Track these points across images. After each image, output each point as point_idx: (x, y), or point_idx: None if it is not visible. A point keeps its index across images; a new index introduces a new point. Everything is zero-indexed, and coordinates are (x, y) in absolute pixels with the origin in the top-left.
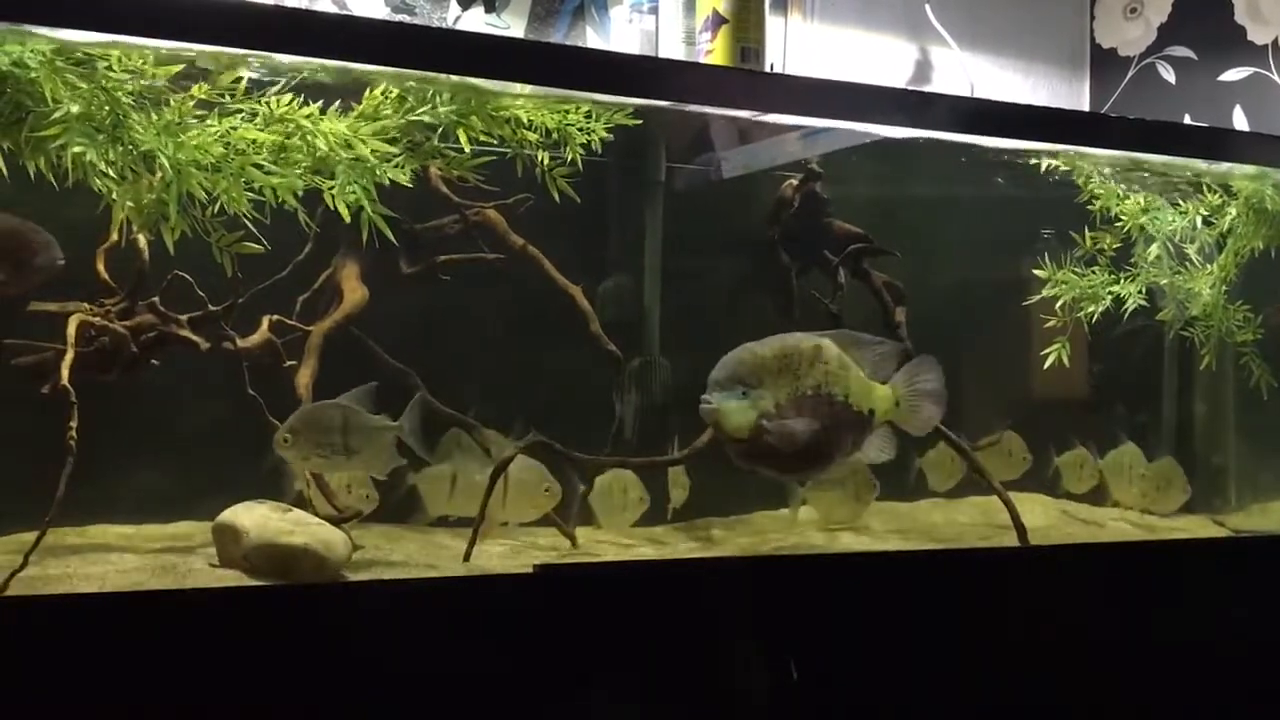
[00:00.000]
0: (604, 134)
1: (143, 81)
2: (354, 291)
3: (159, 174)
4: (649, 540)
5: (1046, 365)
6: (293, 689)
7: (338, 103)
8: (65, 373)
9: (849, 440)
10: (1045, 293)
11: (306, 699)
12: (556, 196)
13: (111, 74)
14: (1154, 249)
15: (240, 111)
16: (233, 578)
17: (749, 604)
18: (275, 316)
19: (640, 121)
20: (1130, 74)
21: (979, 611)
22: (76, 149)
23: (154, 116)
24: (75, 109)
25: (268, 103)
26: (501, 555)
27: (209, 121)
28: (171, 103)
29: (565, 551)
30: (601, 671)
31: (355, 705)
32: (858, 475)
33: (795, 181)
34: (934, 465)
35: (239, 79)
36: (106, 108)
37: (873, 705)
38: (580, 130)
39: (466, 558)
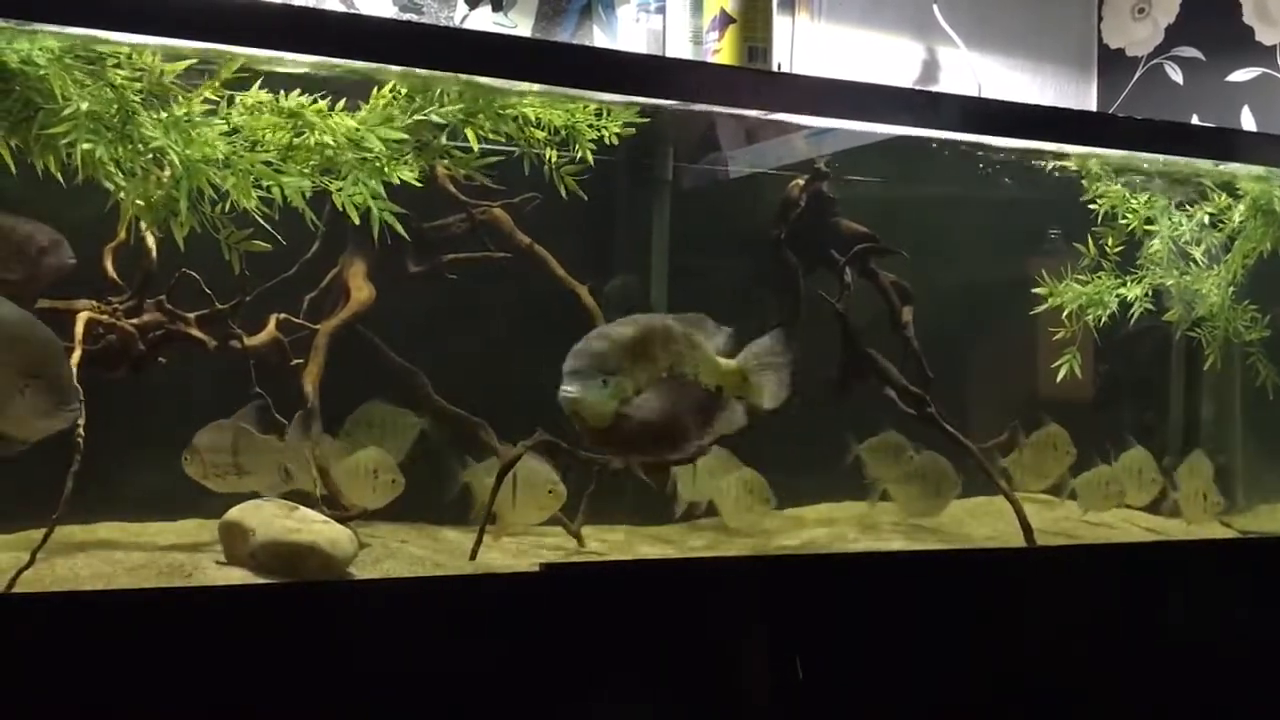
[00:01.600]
0: (617, 130)
1: (151, 79)
2: (360, 290)
3: (167, 171)
4: (656, 539)
5: (1059, 378)
6: (300, 686)
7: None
8: (73, 370)
9: (704, 418)
10: (1050, 303)
11: (313, 696)
12: (564, 194)
13: (120, 72)
14: (1155, 244)
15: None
16: (240, 576)
17: (755, 603)
18: (282, 315)
19: (648, 119)
20: (1138, 74)
21: (985, 612)
22: (86, 146)
23: (163, 113)
24: (84, 106)
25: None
26: (508, 554)
27: (217, 119)
28: (180, 99)
29: (571, 551)
30: (607, 670)
31: (362, 702)
32: (940, 470)
33: (802, 181)
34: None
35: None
36: (115, 105)
37: (877, 705)
38: (590, 127)
39: (473, 556)
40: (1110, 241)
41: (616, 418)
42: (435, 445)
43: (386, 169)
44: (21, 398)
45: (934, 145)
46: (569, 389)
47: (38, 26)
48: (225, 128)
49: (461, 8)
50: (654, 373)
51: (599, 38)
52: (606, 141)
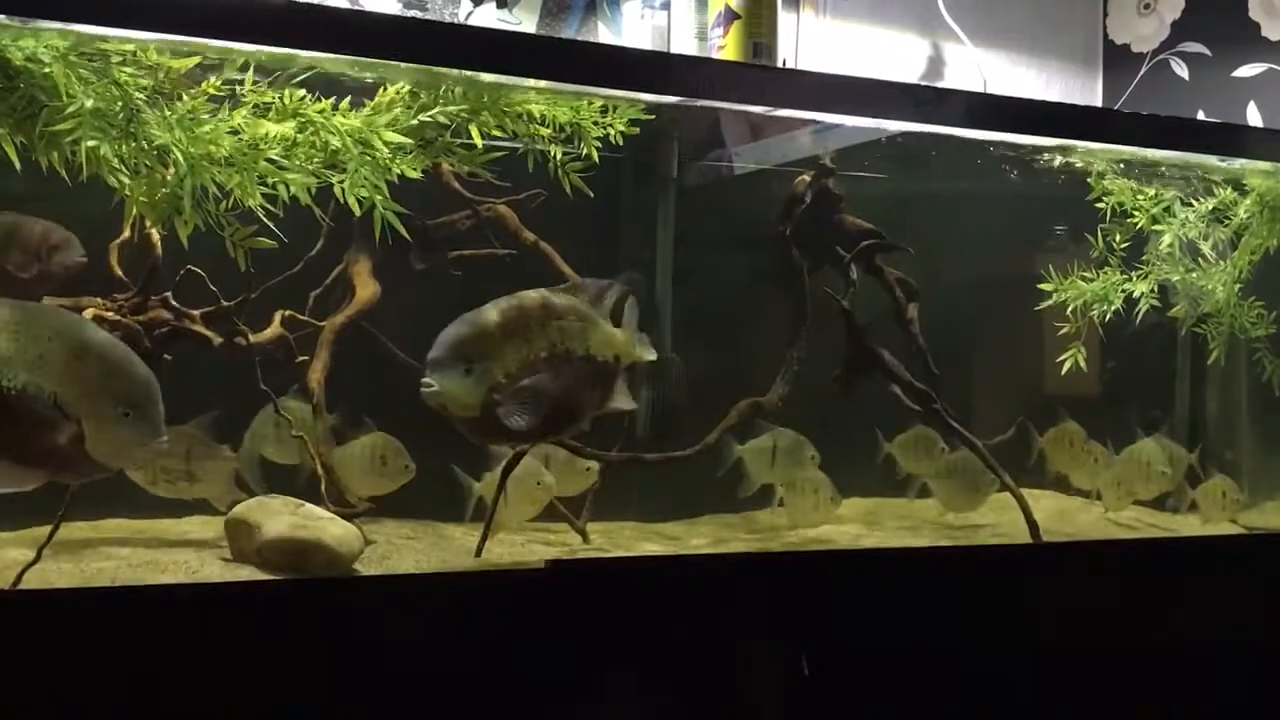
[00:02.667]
0: (623, 128)
1: (158, 76)
2: (365, 287)
3: (172, 168)
4: (660, 536)
5: (1064, 371)
6: (305, 683)
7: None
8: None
9: (597, 393)
10: (1055, 300)
11: (319, 692)
12: (569, 190)
13: (124, 69)
14: (1165, 240)
15: (253, 105)
16: (246, 572)
17: (760, 600)
18: (287, 311)
19: (652, 116)
20: (1143, 70)
21: (991, 608)
22: (90, 143)
23: (167, 111)
24: (89, 104)
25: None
26: (513, 550)
27: (221, 116)
28: (184, 97)
29: (576, 547)
30: (613, 666)
31: (367, 699)
32: (976, 465)
33: (807, 178)
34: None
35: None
36: (120, 103)
37: (884, 701)
38: (595, 124)
39: (478, 553)
40: (1117, 237)
41: (488, 406)
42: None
43: (390, 165)
44: (120, 426)
45: (937, 140)
46: (428, 382)
47: (41, 24)
48: (230, 125)
49: (466, 4)
50: (531, 353)
51: (603, 34)
52: (612, 139)
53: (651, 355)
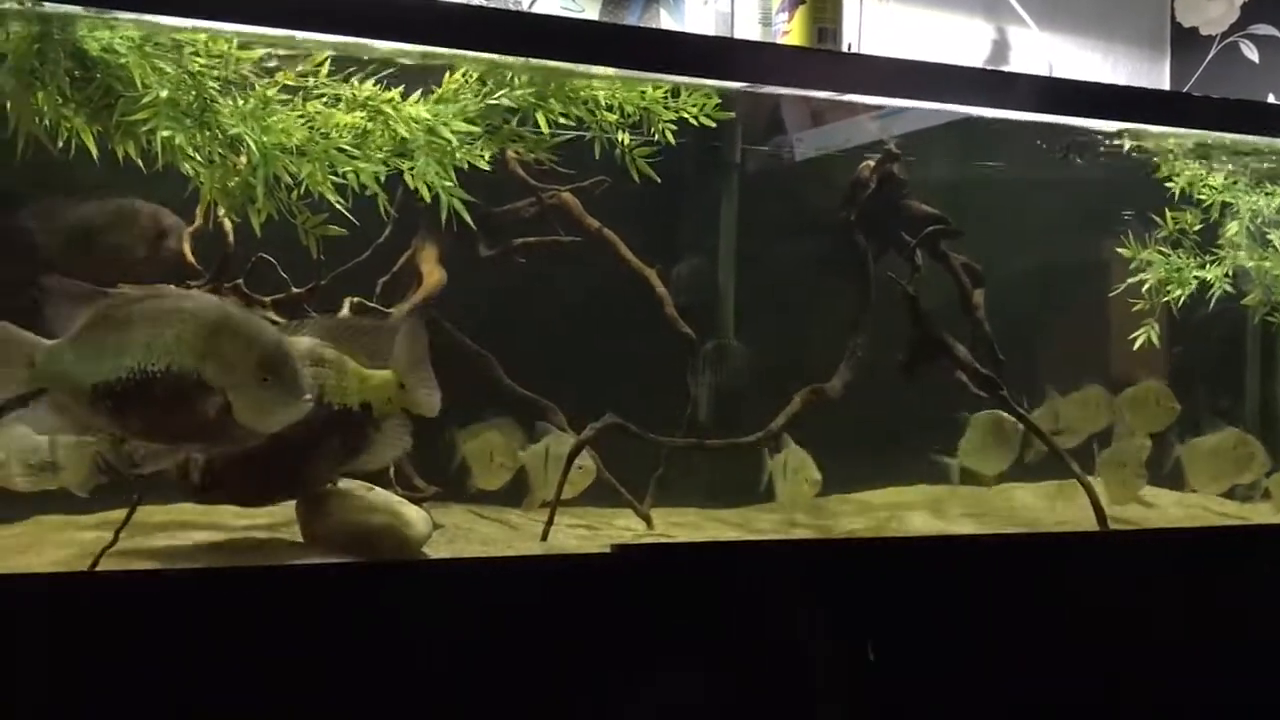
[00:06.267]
0: (709, 114)
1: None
2: (432, 274)
3: (245, 157)
4: (724, 521)
5: (1136, 346)
6: (374, 663)
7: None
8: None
9: (335, 444)
10: (1133, 270)
11: (388, 673)
12: (636, 176)
13: (198, 59)
14: (1233, 227)
15: (324, 96)
16: (316, 555)
17: (826, 585)
18: (356, 299)
19: (731, 115)
20: (1212, 53)
21: (1056, 596)
22: (165, 133)
23: (240, 101)
24: (164, 93)
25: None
26: (579, 535)
27: (293, 106)
28: (257, 87)
29: (641, 532)
30: (677, 650)
31: (435, 680)
32: (1136, 453)
33: (872, 163)
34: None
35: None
36: (193, 92)
37: (948, 687)
38: (666, 109)
39: (544, 537)
40: (1189, 219)
41: (183, 467)
42: None
43: (458, 154)
44: (262, 391)
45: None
46: None
47: (116, 14)
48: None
49: None
50: None
51: (666, 21)
52: (694, 123)
53: (427, 406)
